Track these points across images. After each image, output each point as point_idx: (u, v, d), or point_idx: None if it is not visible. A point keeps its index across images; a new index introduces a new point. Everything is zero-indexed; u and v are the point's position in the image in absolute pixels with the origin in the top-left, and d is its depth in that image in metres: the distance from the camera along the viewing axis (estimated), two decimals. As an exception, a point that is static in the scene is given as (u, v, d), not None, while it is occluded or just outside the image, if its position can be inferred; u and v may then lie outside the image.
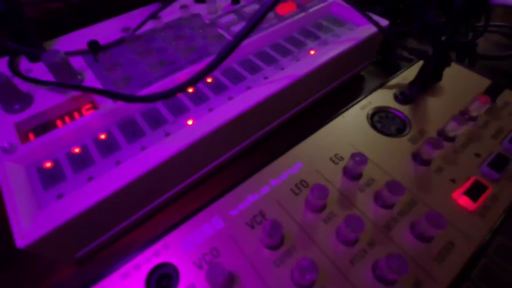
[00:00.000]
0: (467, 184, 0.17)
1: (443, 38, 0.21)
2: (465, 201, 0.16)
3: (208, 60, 0.25)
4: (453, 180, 0.17)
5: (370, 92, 0.23)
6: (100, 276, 0.14)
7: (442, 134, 0.19)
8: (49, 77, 0.24)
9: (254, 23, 0.16)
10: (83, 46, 0.26)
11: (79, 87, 0.19)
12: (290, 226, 0.16)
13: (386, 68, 0.34)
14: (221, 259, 0.15)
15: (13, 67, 0.24)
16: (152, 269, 0.14)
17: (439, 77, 0.23)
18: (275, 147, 0.26)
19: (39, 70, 0.25)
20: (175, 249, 0.15)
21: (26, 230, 0.16)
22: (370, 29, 0.27)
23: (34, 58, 0.25)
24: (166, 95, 0.17)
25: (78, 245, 0.19)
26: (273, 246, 0.15)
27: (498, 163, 0.17)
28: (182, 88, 0.17)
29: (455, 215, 0.16)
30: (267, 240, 0.15)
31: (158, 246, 0.15)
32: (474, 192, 0.16)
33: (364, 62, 0.31)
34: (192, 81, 0.17)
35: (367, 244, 0.15)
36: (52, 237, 0.16)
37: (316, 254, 0.15)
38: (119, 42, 0.27)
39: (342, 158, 0.19)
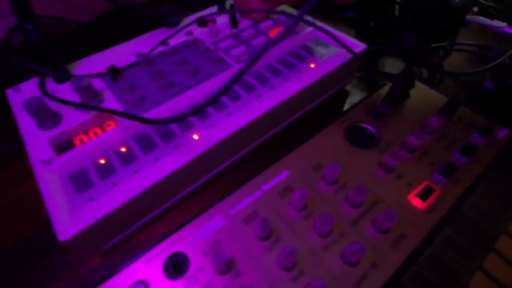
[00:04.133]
0: (420, 188, 0.21)
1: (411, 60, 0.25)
2: (417, 201, 0.20)
3: (211, 81, 0.29)
4: (409, 185, 0.21)
5: (349, 109, 0.27)
6: (128, 262, 0.18)
7: (404, 146, 0.24)
8: (74, 97, 0.28)
9: (257, 55, 0.19)
10: (101, 68, 0.31)
11: (106, 110, 0.23)
12: (277, 222, 0.20)
13: (368, 82, 0.38)
14: (222, 248, 0.19)
15: (43, 88, 0.28)
16: (169, 257, 0.19)
17: (406, 96, 0.27)
18: (266, 157, 0.30)
19: (64, 90, 0.29)
20: (186, 241, 0.19)
21: (66, 227, 0.20)
22: (356, 50, 0.31)
23: (60, 80, 0.29)
24: (178, 119, 0.21)
25: (106, 239, 0.23)
26: (263, 238, 0.19)
27: (446, 170, 0.22)
28: (191, 113, 0.21)
29: (408, 212, 0.20)
30: (259, 233, 0.19)
31: (173, 239, 0.19)
32: (424, 194, 0.20)
33: (347, 78, 0.35)
34: (196, 110, 0.21)
35: (338, 235, 0.19)
36: (86, 232, 0.20)
37: (296, 243, 0.19)
38: (133, 65, 0.31)
39: (321, 167, 0.23)
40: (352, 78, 0.36)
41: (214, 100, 0.20)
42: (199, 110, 0.20)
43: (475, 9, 0.50)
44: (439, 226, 0.20)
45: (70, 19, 0.45)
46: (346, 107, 0.34)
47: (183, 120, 0.21)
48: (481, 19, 0.43)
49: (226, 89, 0.19)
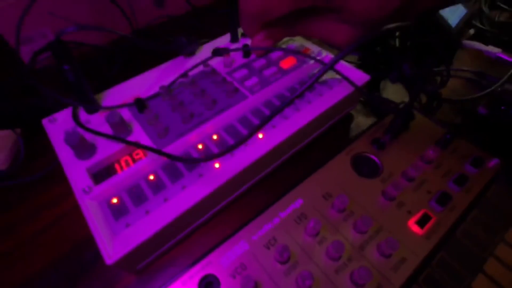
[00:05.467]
0: (418, 215, 0.24)
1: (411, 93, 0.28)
2: (416, 228, 0.23)
3: (228, 112, 0.32)
4: (409, 212, 0.24)
5: (353, 140, 0.30)
6: (166, 283, 0.21)
7: (404, 176, 0.27)
8: (106, 128, 0.30)
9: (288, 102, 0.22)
10: (126, 98, 0.33)
11: (140, 146, 0.26)
12: (294, 247, 0.23)
13: (372, 107, 0.41)
14: (248, 271, 0.22)
15: (78, 120, 0.31)
16: (202, 278, 0.21)
17: (406, 127, 0.30)
18: (280, 180, 0.33)
19: (96, 121, 0.31)
20: (216, 264, 0.22)
21: (110, 252, 0.23)
22: (359, 81, 0.34)
23: (90, 111, 0.32)
24: (203, 160, 0.24)
25: (140, 260, 0.25)
26: (283, 262, 0.22)
27: (442, 199, 0.25)
28: (217, 155, 0.24)
29: (408, 238, 0.23)
30: (278, 257, 0.22)
31: (204, 262, 0.22)
32: (422, 221, 0.23)
33: (352, 105, 0.38)
34: (221, 154, 0.24)
35: (347, 260, 0.22)
36: (127, 256, 0.23)
37: (312, 267, 0.22)
38: (155, 96, 0.34)
39: (331, 195, 0.26)
40: (357, 104, 0.39)
41: (246, 140, 0.22)
42: (228, 150, 0.23)
43: (471, 31, 0.53)
44: (435, 250, 0.23)
45: (87, 43, 0.48)
46: (351, 130, 0.37)
47: (208, 161, 0.24)
48: (477, 44, 0.45)
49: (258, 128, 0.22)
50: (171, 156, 0.25)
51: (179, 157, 0.25)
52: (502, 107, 0.37)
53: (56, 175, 0.34)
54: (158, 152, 0.25)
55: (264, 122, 0.22)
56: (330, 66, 0.24)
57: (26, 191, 0.32)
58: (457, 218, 0.24)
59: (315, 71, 0.37)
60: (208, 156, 0.24)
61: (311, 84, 0.24)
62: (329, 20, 0.29)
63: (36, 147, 0.35)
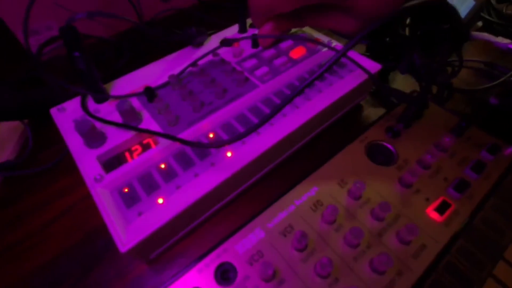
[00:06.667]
0: (437, 202, 0.23)
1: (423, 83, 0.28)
2: (435, 215, 0.23)
3: (239, 101, 0.31)
4: (427, 199, 0.24)
5: (367, 128, 0.29)
6: (181, 271, 0.21)
7: (420, 163, 0.26)
8: (116, 116, 0.30)
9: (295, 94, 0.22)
10: (135, 88, 0.33)
11: (152, 132, 0.25)
12: (311, 234, 0.22)
13: (381, 98, 0.41)
14: (265, 258, 0.21)
15: (87, 109, 0.30)
16: (218, 266, 0.21)
17: (420, 116, 0.30)
18: (293, 169, 0.32)
19: (105, 110, 0.31)
20: (231, 252, 0.21)
21: (124, 240, 0.22)
22: (371, 70, 0.34)
23: (99, 101, 0.32)
24: (217, 145, 0.23)
25: (153, 249, 0.25)
26: (301, 249, 0.21)
27: (460, 186, 0.24)
28: (229, 141, 0.24)
29: (427, 225, 0.23)
30: (296, 245, 0.21)
31: (219, 250, 0.22)
32: (441, 208, 0.23)
33: (363, 95, 0.38)
34: (232, 140, 0.23)
35: (366, 247, 0.22)
36: (140, 244, 0.23)
37: (330, 254, 0.21)
38: (165, 85, 0.33)
39: (346, 183, 0.25)
40: (367, 95, 0.39)
41: (257, 127, 0.22)
42: (238, 138, 0.23)
43: (479, 23, 0.52)
44: (455, 237, 0.23)
45: (95, 35, 0.47)
46: (361, 121, 0.37)
47: (221, 146, 0.24)
48: (486, 35, 0.45)
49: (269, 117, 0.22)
50: (182, 141, 0.24)
51: (190, 142, 0.24)
52: (514, 97, 0.36)
53: (64, 166, 0.33)
54: (170, 137, 0.25)
55: (278, 109, 0.21)
56: (344, 52, 0.24)
57: (35, 181, 0.31)
58: (477, 205, 0.24)
59: (327, 59, 0.37)
60: (219, 142, 0.23)
61: (326, 69, 0.24)
62: (337, 12, 0.29)
63: (44, 138, 0.35)
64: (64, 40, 0.27)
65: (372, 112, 0.38)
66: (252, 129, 0.23)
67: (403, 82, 0.42)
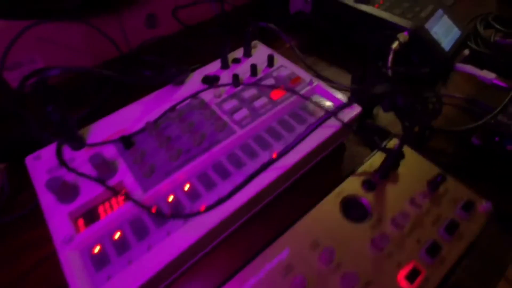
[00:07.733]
0: (408, 268, 0.23)
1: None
2: (405, 283, 0.23)
3: (216, 148, 0.31)
4: (399, 264, 0.24)
5: (343, 179, 0.29)
6: None
7: (394, 222, 0.26)
8: (90, 167, 0.30)
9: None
10: (112, 132, 0.33)
11: (128, 197, 0.25)
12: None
13: (362, 137, 0.40)
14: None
15: (62, 160, 0.30)
16: None
17: (396, 166, 0.30)
18: (271, 223, 0.32)
19: (81, 158, 0.31)
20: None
21: (90, 309, 0.22)
22: (350, 113, 0.33)
23: (76, 148, 0.31)
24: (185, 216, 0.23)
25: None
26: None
27: (432, 250, 0.24)
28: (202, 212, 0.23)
29: (397, 294, 0.22)
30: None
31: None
32: (411, 276, 0.23)
33: (345, 135, 0.38)
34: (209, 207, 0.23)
35: (334, 318, 0.21)
36: (107, 312, 0.22)
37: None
38: (142, 130, 0.33)
39: (318, 245, 0.25)
40: (349, 134, 0.38)
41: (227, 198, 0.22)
42: (210, 208, 0.23)
43: (466, 51, 0.52)
44: (425, 305, 0.22)
45: (76, 68, 0.47)
46: (344, 161, 0.36)
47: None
48: (471, 68, 0.45)
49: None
50: (150, 211, 0.24)
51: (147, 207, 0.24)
52: (496, 138, 0.36)
53: (40, 212, 0.33)
54: (138, 204, 0.24)
55: (248, 179, 0.21)
56: (330, 116, 0.24)
57: (9, 230, 0.31)
58: (448, 269, 0.24)
59: (308, 105, 0.36)
60: (189, 214, 0.23)
61: (308, 135, 0.23)
62: None
63: (21, 180, 0.35)
64: (37, 96, 0.27)
65: (354, 151, 0.38)
66: (223, 199, 0.23)
67: (385, 115, 0.41)
